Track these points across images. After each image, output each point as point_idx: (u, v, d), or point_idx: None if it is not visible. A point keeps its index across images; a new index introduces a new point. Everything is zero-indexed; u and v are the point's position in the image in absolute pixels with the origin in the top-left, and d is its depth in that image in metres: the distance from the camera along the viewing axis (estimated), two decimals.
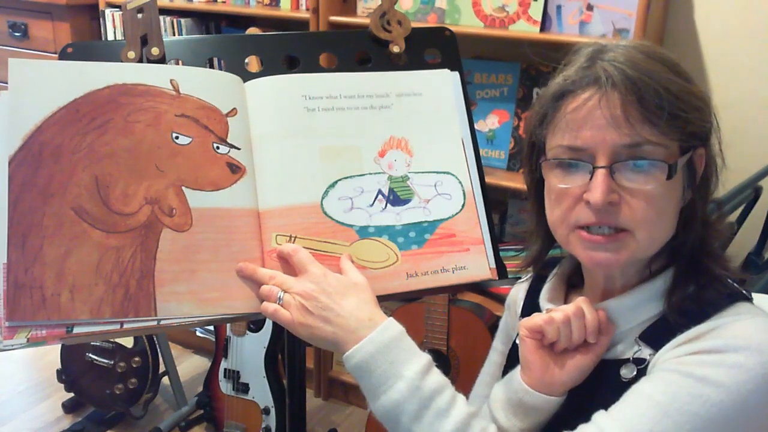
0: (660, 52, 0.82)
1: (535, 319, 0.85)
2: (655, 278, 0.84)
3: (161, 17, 2.01)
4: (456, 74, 1.06)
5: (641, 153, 0.78)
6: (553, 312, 0.84)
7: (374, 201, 0.97)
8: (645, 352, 0.81)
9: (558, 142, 0.82)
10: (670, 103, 0.77)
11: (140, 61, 0.97)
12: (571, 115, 0.80)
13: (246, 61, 1.00)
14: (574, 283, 0.97)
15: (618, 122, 0.77)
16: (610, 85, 0.77)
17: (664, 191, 0.79)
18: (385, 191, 0.98)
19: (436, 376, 0.81)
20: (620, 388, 0.79)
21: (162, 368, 2.30)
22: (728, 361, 0.73)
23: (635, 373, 0.80)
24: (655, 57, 0.80)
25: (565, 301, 0.95)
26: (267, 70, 1.00)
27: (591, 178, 0.79)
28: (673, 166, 0.78)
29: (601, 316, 0.84)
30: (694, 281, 0.82)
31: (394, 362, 0.80)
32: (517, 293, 1.05)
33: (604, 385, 0.83)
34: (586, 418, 0.78)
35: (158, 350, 2.24)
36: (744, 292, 0.83)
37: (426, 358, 0.82)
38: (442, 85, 1.05)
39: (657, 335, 0.81)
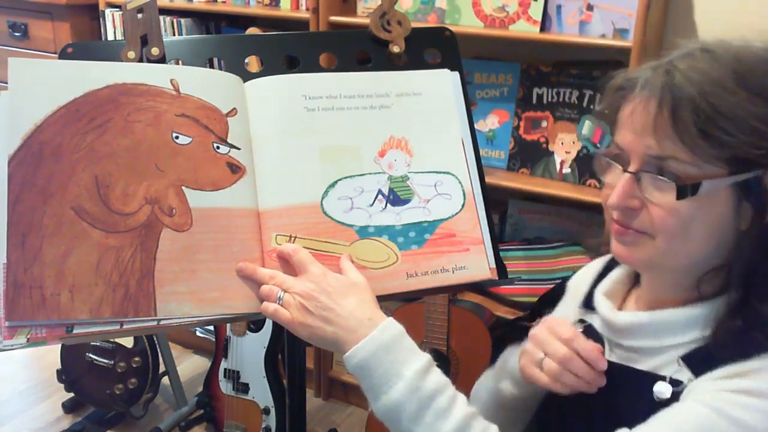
0: (744, 59, 0.75)
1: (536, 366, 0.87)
2: (704, 302, 0.80)
3: (161, 17, 2.01)
4: (456, 74, 1.06)
5: (665, 167, 0.76)
6: (545, 362, 0.85)
7: (374, 201, 0.97)
8: (684, 374, 0.79)
9: (612, 136, 0.84)
10: (710, 122, 0.72)
11: (140, 61, 0.97)
12: (621, 113, 0.81)
13: (246, 61, 1.00)
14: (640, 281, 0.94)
15: (647, 132, 0.76)
16: (648, 91, 0.76)
17: (690, 208, 0.75)
18: (385, 191, 0.98)
19: (437, 376, 0.81)
20: (651, 405, 0.78)
21: (162, 368, 2.30)
22: (765, 407, 0.72)
23: (670, 395, 0.79)
24: (732, 67, 0.74)
25: (625, 299, 0.93)
26: (267, 70, 1.00)
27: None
28: (686, 188, 0.74)
29: (593, 358, 0.83)
30: (742, 317, 0.77)
31: (395, 362, 0.80)
32: (584, 277, 1.02)
33: (634, 395, 0.82)
34: (610, 421, 0.78)
35: (158, 350, 2.24)
36: None
37: (426, 357, 0.82)
38: (442, 85, 1.05)
39: (699, 361, 0.78)
